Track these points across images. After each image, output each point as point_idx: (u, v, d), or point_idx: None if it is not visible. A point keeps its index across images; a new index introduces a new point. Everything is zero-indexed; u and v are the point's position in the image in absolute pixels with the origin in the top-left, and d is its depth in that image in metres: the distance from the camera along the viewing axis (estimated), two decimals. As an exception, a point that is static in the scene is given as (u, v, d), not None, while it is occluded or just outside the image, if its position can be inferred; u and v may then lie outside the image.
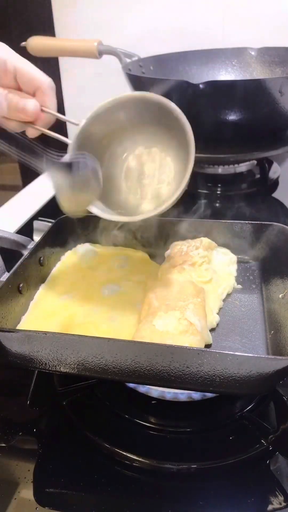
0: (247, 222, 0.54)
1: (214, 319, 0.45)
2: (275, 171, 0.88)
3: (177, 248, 0.52)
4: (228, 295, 0.49)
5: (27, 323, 0.45)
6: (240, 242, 0.55)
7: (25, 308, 0.47)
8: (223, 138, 0.76)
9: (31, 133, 0.44)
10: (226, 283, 0.50)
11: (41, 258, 0.52)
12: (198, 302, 0.43)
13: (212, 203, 0.82)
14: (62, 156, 0.43)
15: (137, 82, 0.77)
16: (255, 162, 0.85)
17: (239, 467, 0.37)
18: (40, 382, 0.45)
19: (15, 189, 1.04)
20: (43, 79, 0.42)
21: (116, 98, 0.45)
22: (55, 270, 0.54)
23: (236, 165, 0.84)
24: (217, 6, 0.98)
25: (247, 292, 0.49)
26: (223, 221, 0.55)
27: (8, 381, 0.48)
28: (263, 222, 0.53)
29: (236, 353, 0.34)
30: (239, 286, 0.50)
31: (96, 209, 0.44)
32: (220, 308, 0.47)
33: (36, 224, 0.61)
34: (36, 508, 0.35)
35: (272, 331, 0.43)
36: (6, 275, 0.46)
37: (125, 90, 0.80)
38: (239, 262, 0.54)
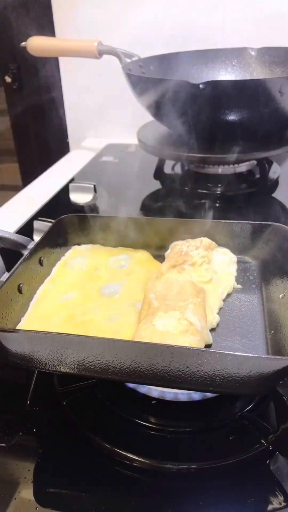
0: (247, 222, 0.54)
1: (214, 319, 0.45)
2: (275, 171, 0.88)
3: (177, 248, 0.52)
4: (228, 295, 0.49)
5: (27, 323, 0.45)
6: (240, 242, 0.55)
7: (25, 308, 0.47)
8: (223, 138, 0.76)
9: None
10: (226, 283, 0.50)
11: (41, 258, 0.52)
12: (198, 302, 0.43)
13: (212, 203, 0.82)
14: None
15: (137, 82, 0.77)
16: (255, 162, 0.85)
17: (239, 467, 0.37)
18: (40, 382, 0.45)
19: (15, 189, 1.04)
20: None
21: None
22: (55, 270, 0.54)
23: (236, 165, 0.84)
24: (217, 6, 0.98)
25: (247, 292, 0.49)
26: (223, 221, 0.55)
27: (8, 381, 0.48)
28: (263, 222, 0.53)
29: (236, 353, 0.34)
30: (239, 286, 0.50)
31: None
32: (220, 308, 0.47)
33: (36, 224, 0.61)
34: (36, 508, 0.35)
35: (272, 331, 0.43)
36: (6, 275, 0.46)
37: (125, 90, 0.80)
38: (239, 262, 0.54)
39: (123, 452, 0.38)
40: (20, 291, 0.47)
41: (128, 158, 1.03)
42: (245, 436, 0.39)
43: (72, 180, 0.94)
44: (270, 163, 0.86)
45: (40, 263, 0.52)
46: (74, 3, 1.04)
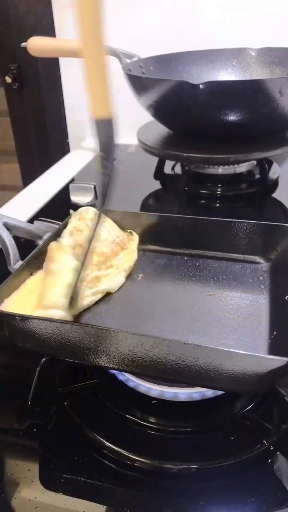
0: (257, 222, 0.54)
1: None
2: (275, 171, 0.88)
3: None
4: (234, 294, 0.49)
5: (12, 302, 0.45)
6: (251, 242, 0.55)
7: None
8: (223, 138, 0.76)
9: None
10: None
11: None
12: None
13: (212, 203, 0.82)
14: None
15: (137, 82, 0.77)
16: (255, 162, 0.85)
17: (240, 467, 0.37)
18: (41, 382, 0.45)
19: (16, 189, 1.04)
20: None
21: None
22: None
23: (236, 165, 0.84)
24: (217, 6, 0.98)
25: (255, 293, 0.49)
26: (234, 220, 0.55)
27: (9, 381, 0.48)
28: (274, 223, 0.53)
29: (231, 349, 0.34)
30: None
31: None
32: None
33: (37, 224, 0.61)
34: (37, 507, 0.35)
35: (275, 332, 0.43)
36: (20, 263, 0.48)
37: (125, 90, 0.80)
38: (250, 262, 0.54)
39: (123, 452, 0.38)
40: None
41: (128, 158, 1.03)
42: (246, 436, 0.39)
43: (72, 180, 0.94)
44: (270, 163, 0.86)
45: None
46: (74, 4, 1.04)
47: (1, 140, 1.53)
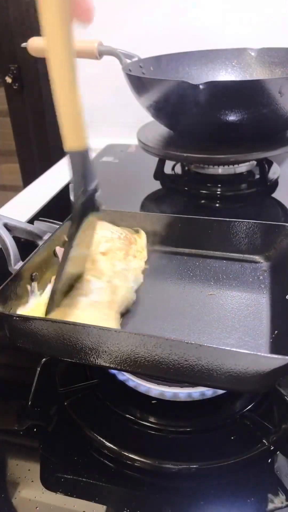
0: (257, 221, 0.54)
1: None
2: (274, 171, 0.88)
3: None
4: (234, 293, 0.49)
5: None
6: (252, 242, 0.55)
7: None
8: (223, 138, 0.76)
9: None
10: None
11: (55, 250, 0.52)
12: None
13: (212, 203, 0.82)
14: None
15: (137, 82, 0.77)
16: (254, 162, 0.85)
17: (240, 467, 0.37)
18: (42, 382, 0.45)
19: (16, 189, 1.04)
20: None
21: None
22: None
23: (236, 166, 0.84)
24: (217, 6, 0.98)
25: (255, 292, 0.49)
26: (234, 220, 0.55)
27: (9, 381, 0.48)
28: (275, 223, 0.53)
29: (233, 349, 0.34)
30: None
31: None
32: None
33: (37, 224, 0.61)
34: (37, 507, 0.35)
35: (276, 331, 0.43)
36: (20, 264, 0.47)
37: (126, 90, 0.80)
38: (250, 261, 0.54)
39: (123, 452, 0.38)
40: (32, 280, 0.47)
41: (128, 158, 1.03)
42: (246, 436, 0.39)
43: (72, 181, 0.94)
44: (270, 163, 0.86)
45: (55, 254, 0.52)
46: (74, 4, 1.04)
47: (1, 140, 1.53)
